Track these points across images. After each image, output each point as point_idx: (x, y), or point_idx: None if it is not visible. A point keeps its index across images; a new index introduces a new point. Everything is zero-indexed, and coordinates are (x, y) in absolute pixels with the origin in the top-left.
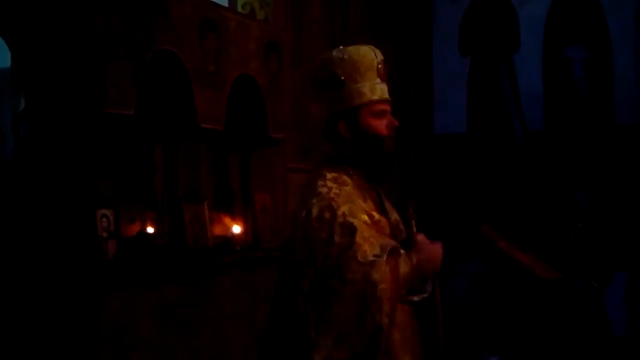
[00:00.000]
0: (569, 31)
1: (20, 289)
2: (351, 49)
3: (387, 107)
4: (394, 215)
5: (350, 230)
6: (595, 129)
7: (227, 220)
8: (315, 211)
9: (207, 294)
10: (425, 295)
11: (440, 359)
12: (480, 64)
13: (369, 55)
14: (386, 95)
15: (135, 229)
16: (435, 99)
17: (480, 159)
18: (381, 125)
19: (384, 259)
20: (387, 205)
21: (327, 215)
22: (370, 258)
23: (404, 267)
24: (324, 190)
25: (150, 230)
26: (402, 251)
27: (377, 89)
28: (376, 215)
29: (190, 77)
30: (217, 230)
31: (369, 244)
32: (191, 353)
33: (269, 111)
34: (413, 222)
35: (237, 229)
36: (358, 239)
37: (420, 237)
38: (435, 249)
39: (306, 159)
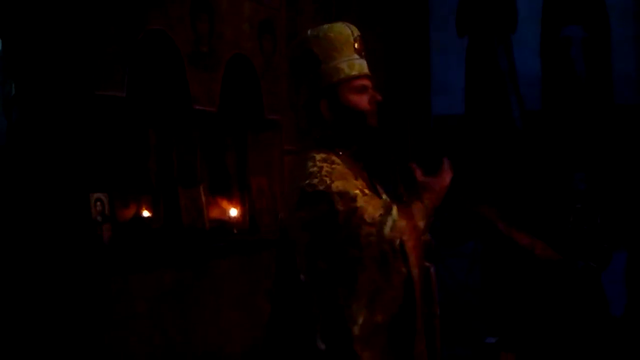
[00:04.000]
0: (566, 10)
1: (14, 276)
2: (325, 26)
3: (367, 82)
4: (384, 196)
5: (349, 197)
6: (593, 109)
7: (223, 203)
8: (309, 189)
9: (205, 277)
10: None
11: (437, 338)
12: (477, 44)
13: (345, 31)
14: (365, 71)
15: (130, 213)
16: (433, 80)
17: (478, 140)
18: (362, 100)
19: (395, 211)
20: (378, 187)
21: (322, 188)
22: (378, 218)
23: (418, 214)
24: (315, 169)
25: (145, 214)
26: (411, 198)
27: (355, 65)
28: (368, 192)
29: (182, 58)
30: (214, 213)
31: (372, 205)
32: (189, 337)
33: (264, 92)
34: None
35: (234, 212)
36: (360, 203)
37: (423, 178)
38: (442, 183)
39: (303, 141)
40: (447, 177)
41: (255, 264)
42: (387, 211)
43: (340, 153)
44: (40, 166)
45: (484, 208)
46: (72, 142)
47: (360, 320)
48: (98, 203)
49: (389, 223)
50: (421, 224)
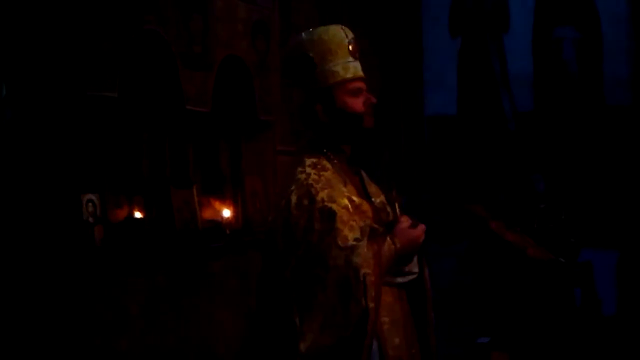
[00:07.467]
0: (558, 11)
1: (4, 278)
2: (320, 29)
3: (362, 85)
4: (379, 198)
5: (329, 215)
6: (585, 110)
7: (216, 204)
8: (294, 199)
9: (198, 279)
10: (412, 277)
11: (430, 340)
12: (470, 44)
13: (339, 34)
14: (360, 73)
15: (122, 214)
16: (426, 81)
17: (470, 140)
18: (357, 102)
19: (365, 242)
20: (371, 189)
21: (305, 202)
22: (351, 242)
23: (386, 251)
24: (302, 176)
25: (138, 215)
26: (385, 236)
27: (350, 67)
28: (357, 200)
29: (175, 58)
30: (207, 214)
31: (349, 227)
32: (182, 338)
33: (258, 93)
34: (397, 204)
35: (227, 213)
36: (338, 224)
37: (404, 220)
38: (417, 233)
39: (296, 141)
40: (421, 231)
41: (248, 264)
42: (362, 236)
43: (332, 157)
44: (31, 166)
45: (476, 207)
46: (63, 142)
47: (309, 338)
48: (90, 204)
49: (359, 251)
50: (386, 263)
